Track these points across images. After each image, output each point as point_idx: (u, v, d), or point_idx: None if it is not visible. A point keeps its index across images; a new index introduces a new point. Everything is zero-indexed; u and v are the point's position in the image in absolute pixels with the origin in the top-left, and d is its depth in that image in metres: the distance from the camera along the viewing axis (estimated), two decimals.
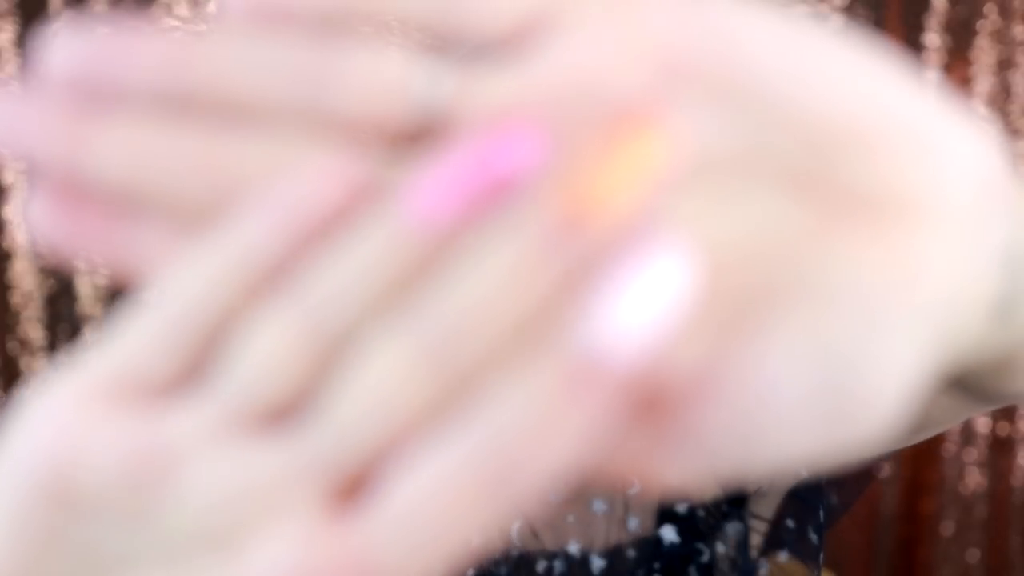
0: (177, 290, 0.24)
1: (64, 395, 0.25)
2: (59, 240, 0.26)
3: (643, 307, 0.21)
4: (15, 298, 0.49)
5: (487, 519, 0.23)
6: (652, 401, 0.26)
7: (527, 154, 0.21)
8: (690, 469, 0.26)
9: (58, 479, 0.24)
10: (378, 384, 0.23)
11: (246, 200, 0.25)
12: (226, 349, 0.24)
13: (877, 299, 0.25)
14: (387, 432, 0.23)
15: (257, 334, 0.23)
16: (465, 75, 0.25)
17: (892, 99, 0.25)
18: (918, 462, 0.63)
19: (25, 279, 0.49)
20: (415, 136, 0.25)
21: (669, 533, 0.52)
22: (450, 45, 0.25)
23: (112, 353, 0.24)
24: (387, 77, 0.25)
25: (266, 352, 0.23)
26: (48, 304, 0.47)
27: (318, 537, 0.24)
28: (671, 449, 0.26)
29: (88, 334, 0.45)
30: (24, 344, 0.49)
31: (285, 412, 0.24)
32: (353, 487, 0.24)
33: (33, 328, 0.48)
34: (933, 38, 0.52)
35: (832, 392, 0.25)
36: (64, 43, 0.24)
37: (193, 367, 0.24)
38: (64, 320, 0.46)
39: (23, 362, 0.50)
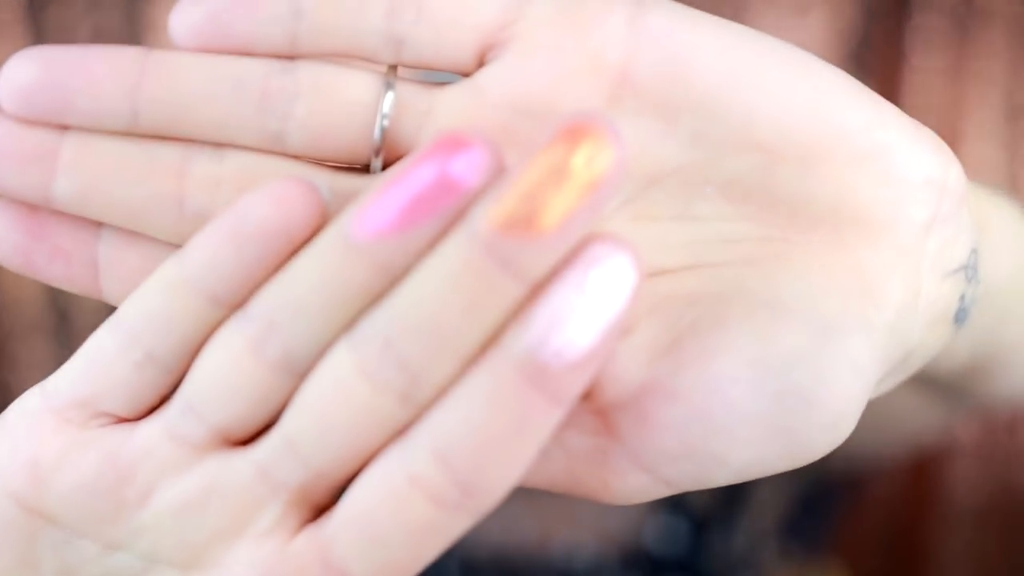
0: (140, 311, 0.24)
1: (37, 411, 0.25)
2: (17, 258, 0.26)
3: (588, 316, 0.22)
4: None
5: (445, 521, 0.23)
6: (602, 415, 0.26)
7: (472, 169, 0.22)
8: (642, 482, 0.26)
9: (35, 492, 0.25)
10: (331, 395, 0.23)
11: (206, 220, 0.25)
12: (188, 367, 0.25)
13: (829, 309, 0.25)
14: (346, 443, 0.23)
15: (212, 352, 0.24)
16: (418, 94, 0.25)
17: (843, 111, 0.25)
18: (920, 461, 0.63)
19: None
20: (370, 154, 0.26)
21: (657, 538, 0.52)
22: (406, 65, 0.26)
23: (79, 373, 0.25)
24: (342, 98, 0.25)
25: (220, 370, 0.24)
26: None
27: (282, 546, 0.24)
28: (623, 463, 0.26)
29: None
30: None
31: (248, 427, 0.24)
32: (325, 499, 0.25)
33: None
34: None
35: (785, 403, 0.25)
36: (18, 64, 0.25)
37: (159, 385, 0.25)
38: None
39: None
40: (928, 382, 0.38)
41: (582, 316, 0.22)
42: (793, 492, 0.55)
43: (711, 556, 0.53)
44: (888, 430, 0.51)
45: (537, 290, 0.22)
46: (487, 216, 0.21)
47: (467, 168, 0.22)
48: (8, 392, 0.50)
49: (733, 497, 0.53)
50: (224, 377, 0.24)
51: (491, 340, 0.22)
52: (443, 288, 0.22)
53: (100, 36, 0.47)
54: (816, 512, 0.57)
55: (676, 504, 0.52)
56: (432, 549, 0.24)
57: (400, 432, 0.23)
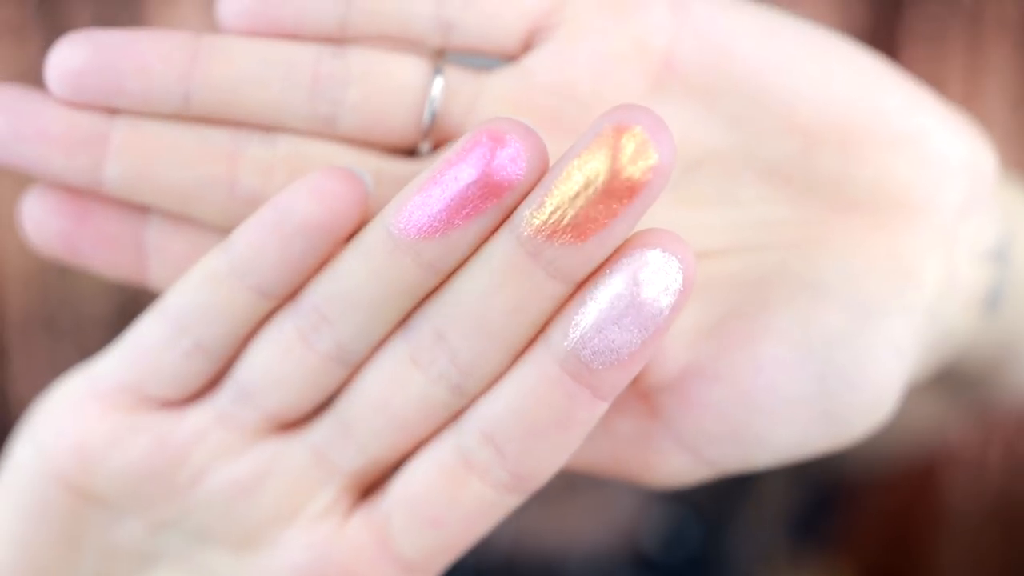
0: (188, 301, 0.24)
1: (83, 395, 0.25)
2: (60, 244, 0.26)
3: (633, 318, 0.22)
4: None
5: (497, 501, 0.24)
6: (645, 397, 0.27)
7: (512, 166, 0.21)
8: (685, 463, 0.27)
9: (82, 473, 0.25)
10: (387, 384, 0.23)
11: (257, 204, 0.25)
12: (239, 354, 0.25)
13: (870, 291, 0.25)
14: (400, 428, 0.24)
15: (265, 342, 0.24)
16: (465, 78, 0.26)
17: (880, 96, 0.26)
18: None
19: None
20: (419, 138, 0.26)
21: (665, 539, 0.52)
22: (455, 51, 0.26)
23: (127, 359, 0.25)
24: (392, 82, 0.25)
25: (273, 359, 0.24)
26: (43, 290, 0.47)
27: (337, 528, 0.25)
28: (666, 444, 0.26)
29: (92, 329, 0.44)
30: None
31: (301, 411, 0.25)
32: (374, 484, 0.25)
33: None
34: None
35: (827, 384, 0.25)
36: (67, 48, 0.24)
37: (206, 372, 0.25)
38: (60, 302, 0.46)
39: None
40: (949, 378, 0.38)
41: (627, 318, 0.21)
42: (798, 491, 0.55)
43: (717, 554, 0.53)
44: (895, 430, 0.51)
45: (584, 284, 0.22)
46: (527, 222, 0.21)
47: (507, 166, 0.21)
48: (2, 386, 0.50)
49: (737, 495, 0.53)
50: (278, 366, 0.24)
51: (539, 333, 0.22)
52: (489, 288, 0.22)
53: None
54: (821, 512, 0.57)
55: (681, 502, 0.52)
56: (482, 529, 0.24)
57: (452, 420, 0.24)
